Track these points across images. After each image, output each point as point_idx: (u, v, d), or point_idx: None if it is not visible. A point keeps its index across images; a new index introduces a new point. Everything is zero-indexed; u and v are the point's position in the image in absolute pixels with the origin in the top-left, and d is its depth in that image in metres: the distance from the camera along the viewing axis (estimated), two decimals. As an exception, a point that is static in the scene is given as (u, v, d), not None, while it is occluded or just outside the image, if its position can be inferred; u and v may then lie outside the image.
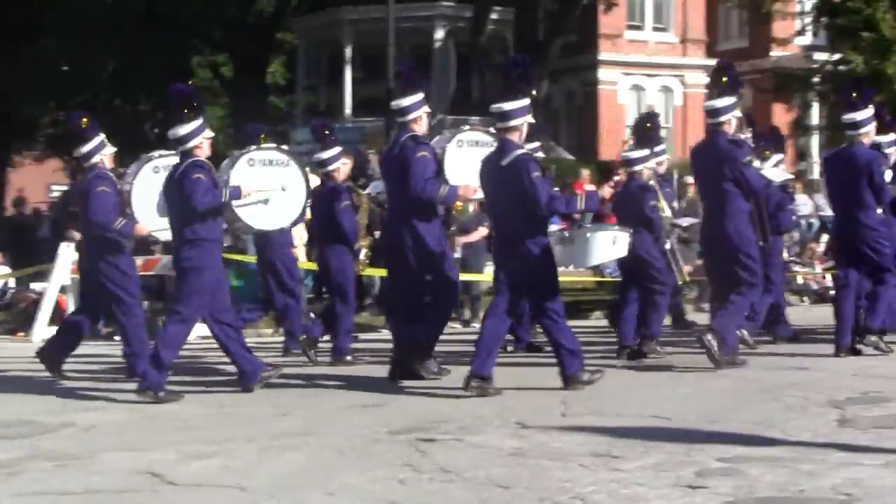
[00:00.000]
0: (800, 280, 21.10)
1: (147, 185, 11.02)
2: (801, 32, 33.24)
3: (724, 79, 10.85)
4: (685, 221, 13.95)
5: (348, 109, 36.27)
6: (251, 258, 17.42)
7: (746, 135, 11.21)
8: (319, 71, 40.65)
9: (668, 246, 12.17)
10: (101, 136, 11.21)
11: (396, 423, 8.41)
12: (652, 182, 12.22)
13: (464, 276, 18.58)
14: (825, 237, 21.79)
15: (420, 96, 10.48)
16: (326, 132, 12.71)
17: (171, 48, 34.95)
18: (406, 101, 10.44)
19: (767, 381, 9.68)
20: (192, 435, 8.30)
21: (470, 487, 6.43)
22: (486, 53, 32.06)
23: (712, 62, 40.91)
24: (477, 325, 17.88)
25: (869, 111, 11.34)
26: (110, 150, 11.36)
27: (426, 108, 10.53)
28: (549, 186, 9.67)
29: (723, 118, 10.68)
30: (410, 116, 10.43)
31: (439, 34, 34.64)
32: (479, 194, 10.44)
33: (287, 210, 11.04)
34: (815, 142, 38.69)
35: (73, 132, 11.32)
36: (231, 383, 10.57)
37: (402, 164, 10.21)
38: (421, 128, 10.46)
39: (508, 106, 9.60)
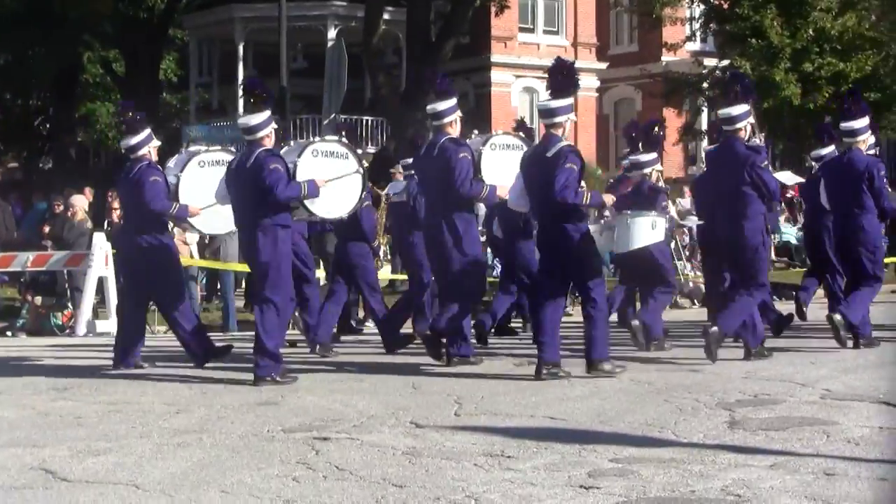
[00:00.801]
0: (690, 284, 21.40)
1: (193, 177, 11.59)
2: (690, 38, 33.66)
3: (738, 87, 11.33)
4: (691, 222, 14.42)
5: (241, 107, 35.99)
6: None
7: (759, 140, 11.69)
8: (212, 68, 40.34)
9: (672, 245, 12.66)
10: (149, 130, 11.74)
11: (291, 421, 8.40)
12: (661, 184, 12.91)
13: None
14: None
15: (453, 101, 11.22)
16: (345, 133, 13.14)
17: (62, 43, 34.42)
18: (442, 106, 11.16)
19: (659, 382, 9.79)
20: (86, 432, 8.21)
21: (364, 486, 6.45)
22: (379, 54, 32.05)
23: (603, 66, 41.80)
24: (370, 324, 17.95)
25: (865, 119, 11.94)
26: (156, 143, 11.84)
27: (459, 113, 11.24)
28: (573, 178, 10.11)
29: (739, 125, 11.13)
30: (446, 120, 11.15)
31: (332, 34, 34.55)
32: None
33: (345, 200, 11.62)
34: (704, 146, 39.28)
35: (125, 123, 11.85)
36: (122, 377, 10.50)
37: (446, 165, 10.89)
38: (455, 130, 11.16)
39: (555, 104, 10.33)
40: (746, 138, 11.17)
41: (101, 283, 16.48)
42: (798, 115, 28.49)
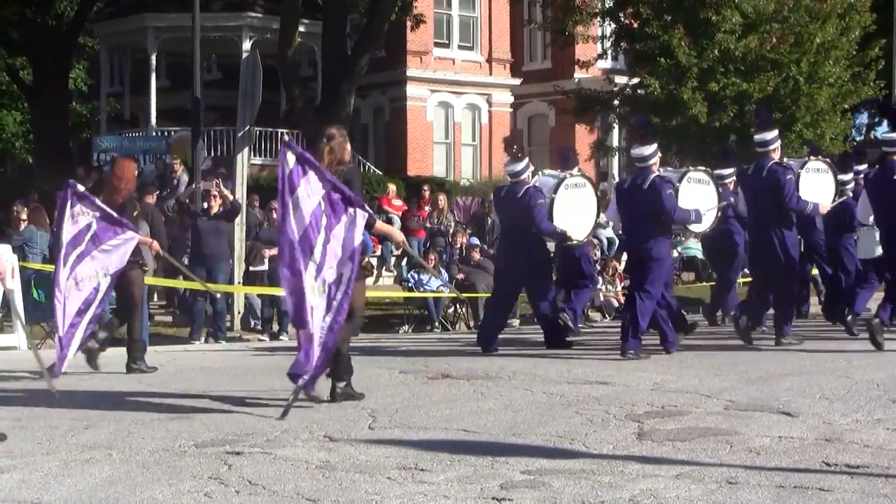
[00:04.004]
0: (601, 297, 21.60)
1: (564, 198, 14.16)
2: (602, 56, 33.96)
3: None
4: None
5: (153, 118, 35.70)
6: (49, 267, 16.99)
7: None
8: (123, 78, 39.96)
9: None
10: (528, 158, 14.18)
11: (203, 435, 8.35)
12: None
13: (271, 291, 18.56)
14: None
15: (775, 132, 13.74)
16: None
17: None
18: (769, 136, 13.61)
19: (570, 395, 9.89)
20: (-10, 448, 8.05)
21: (277, 501, 6.44)
22: (294, 66, 31.96)
23: (517, 82, 41.98)
24: (285, 338, 17.96)
25: None
26: (532, 168, 14.18)
27: (779, 142, 13.79)
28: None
29: None
30: (770, 147, 13.57)
31: (246, 45, 34.36)
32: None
33: (707, 217, 14.11)
34: (615, 163, 39.61)
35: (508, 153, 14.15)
36: (32, 394, 10.34)
37: (775, 185, 13.26)
38: (777, 155, 13.60)
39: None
40: None
41: (4, 296, 16.17)
42: (704, 132, 28.89)
